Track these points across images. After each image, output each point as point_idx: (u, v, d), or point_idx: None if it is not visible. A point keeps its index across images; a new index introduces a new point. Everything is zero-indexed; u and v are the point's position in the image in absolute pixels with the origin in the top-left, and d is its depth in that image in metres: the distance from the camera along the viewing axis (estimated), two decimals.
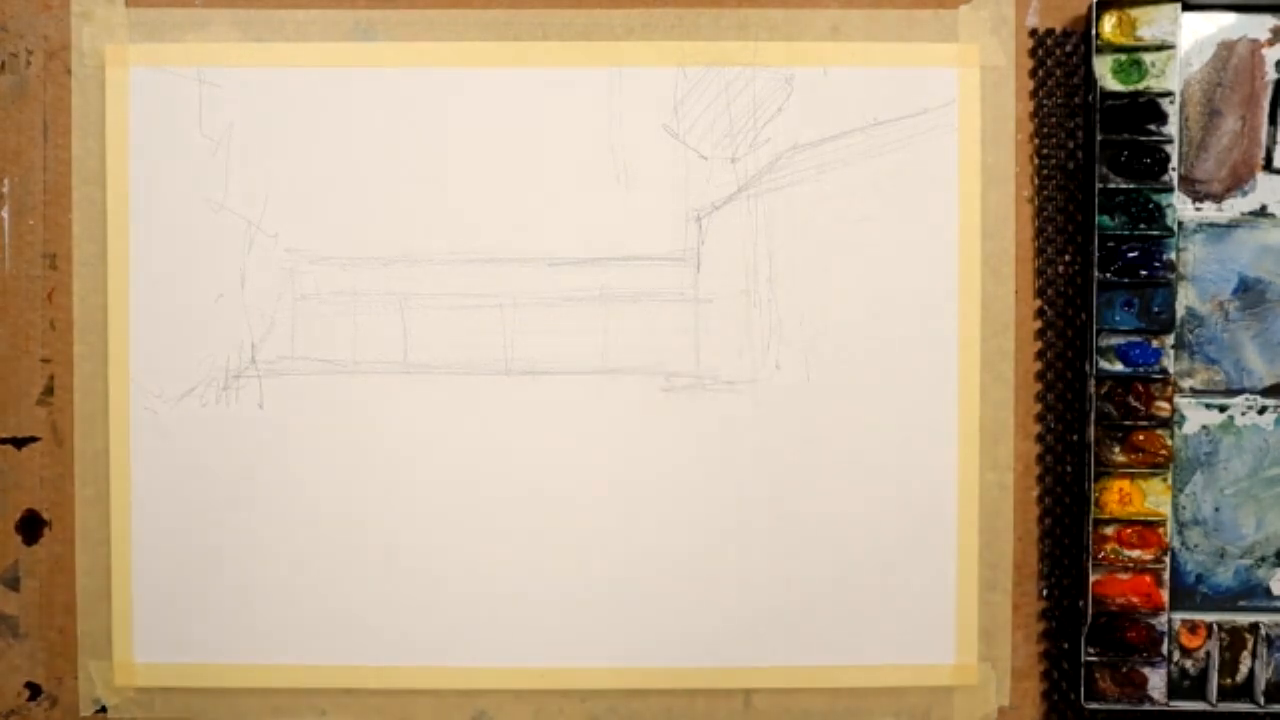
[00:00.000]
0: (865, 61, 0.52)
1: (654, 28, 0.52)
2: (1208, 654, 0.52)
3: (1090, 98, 0.51)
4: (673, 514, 0.53)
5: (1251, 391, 0.52)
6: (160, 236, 0.53)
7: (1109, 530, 0.51)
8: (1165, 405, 0.51)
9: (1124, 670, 0.52)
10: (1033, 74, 0.52)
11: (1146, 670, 0.52)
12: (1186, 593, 0.52)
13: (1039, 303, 0.53)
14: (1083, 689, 0.51)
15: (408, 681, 0.53)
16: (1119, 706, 0.52)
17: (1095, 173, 0.51)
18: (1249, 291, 0.52)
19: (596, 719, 0.54)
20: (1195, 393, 0.52)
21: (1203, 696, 0.52)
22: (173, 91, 0.52)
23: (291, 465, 0.53)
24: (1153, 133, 0.51)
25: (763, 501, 0.53)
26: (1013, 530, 0.53)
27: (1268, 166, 0.52)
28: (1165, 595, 0.52)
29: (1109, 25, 0.51)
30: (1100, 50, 0.51)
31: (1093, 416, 0.51)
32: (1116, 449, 0.51)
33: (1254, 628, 0.52)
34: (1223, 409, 0.52)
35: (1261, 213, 0.52)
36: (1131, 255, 0.51)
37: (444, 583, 0.53)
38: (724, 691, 0.53)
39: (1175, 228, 0.51)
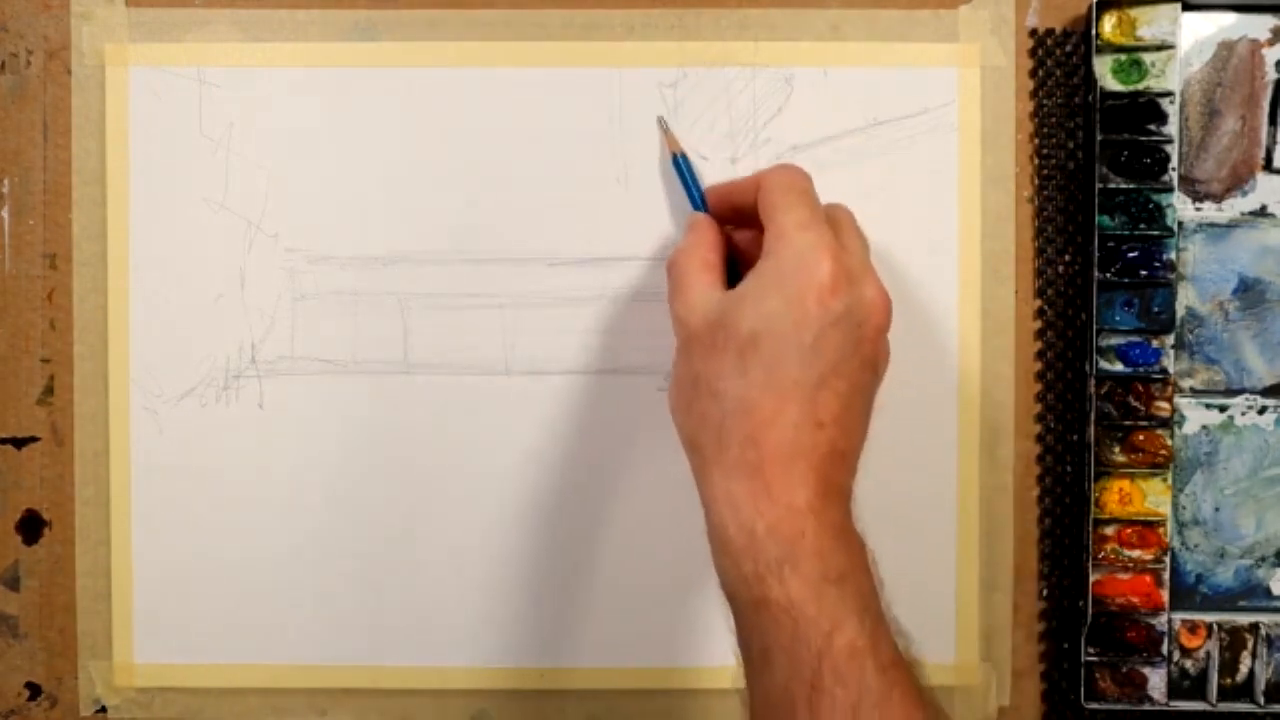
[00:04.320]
0: (865, 61, 0.52)
1: (654, 28, 0.52)
2: (1208, 654, 0.52)
3: (1090, 98, 0.51)
4: (673, 513, 0.53)
5: (1251, 391, 0.52)
6: (160, 236, 0.53)
7: (1109, 530, 0.51)
8: (1165, 405, 0.51)
9: (1124, 670, 0.52)
10: (1033, 74, 0.52)
11: (1146, 670, 0.52)
12: (1186, 593, 0.52)
13: (1039, 303, 0.53)
14: (1083, 689, 0.51)
15: (408, 681, 0.53)
16: (1119, 706, 0.52)
17: (1095, 173, 0.51)
18: (1249, 291, 0.52)
19: (596, 719, 0.54)
20: (1195, 393, 0.52)
21: (1203, 696, 0.52)
22: (173, 91, 0.52)
23: (291, 465, 0.53)
24: (1153, 133, 0.51)
25: None
26: (1013, 530, 0.53)
27: (1268, 166, 0.52)
28: (1165, 595, 0.52)
29: (1109, 25, 0.51)
30: (1100, 50, 0.51)
31: (1093, 416, 0.51)
32: (1116, 449, 0.51)
33: (1254, 628, 0.52)
34: (1223, 409, 0.52)
35: (1261, 213, 0.52)
36: (1131, 255, 0.51)
37: (444, 582, 0.53)
38: (724, 691, 0.53)
39: (1175, 228, 0.51)
